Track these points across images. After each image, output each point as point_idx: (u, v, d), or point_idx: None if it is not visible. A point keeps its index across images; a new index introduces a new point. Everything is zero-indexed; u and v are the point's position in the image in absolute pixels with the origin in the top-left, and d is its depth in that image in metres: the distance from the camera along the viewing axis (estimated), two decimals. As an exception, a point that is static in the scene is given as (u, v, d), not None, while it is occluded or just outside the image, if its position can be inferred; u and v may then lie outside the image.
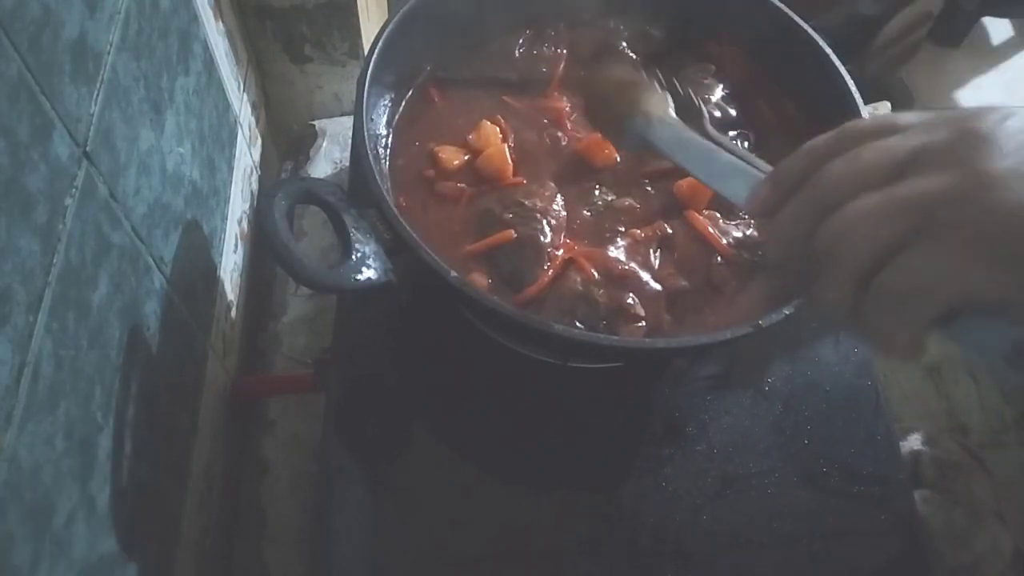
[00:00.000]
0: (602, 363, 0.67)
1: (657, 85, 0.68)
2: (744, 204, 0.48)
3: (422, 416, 0.68)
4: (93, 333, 0.50)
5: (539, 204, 0.65)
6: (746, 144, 0.72)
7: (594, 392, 0.68)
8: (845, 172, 0.38)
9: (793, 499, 0.64)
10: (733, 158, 0.54)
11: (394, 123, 0.71)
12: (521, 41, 0.76)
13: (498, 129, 0.70)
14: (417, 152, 0.70)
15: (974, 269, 0.34)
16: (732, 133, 0.72)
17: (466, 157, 0.69)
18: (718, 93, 0.73)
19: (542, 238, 0.63)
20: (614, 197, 0.68)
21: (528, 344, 0.66)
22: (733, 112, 0.72)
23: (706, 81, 0.74)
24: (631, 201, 0.67)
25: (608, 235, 0.65)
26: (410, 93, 0.73)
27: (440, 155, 0.69)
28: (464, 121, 0.71)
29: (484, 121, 0.70)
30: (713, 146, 0.58)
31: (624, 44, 0.76)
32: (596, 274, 0.62)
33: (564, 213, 0.66)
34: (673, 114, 0.64)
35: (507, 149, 0.69)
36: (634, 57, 0.76)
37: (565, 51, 0.76)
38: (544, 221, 0.64)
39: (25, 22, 0.43)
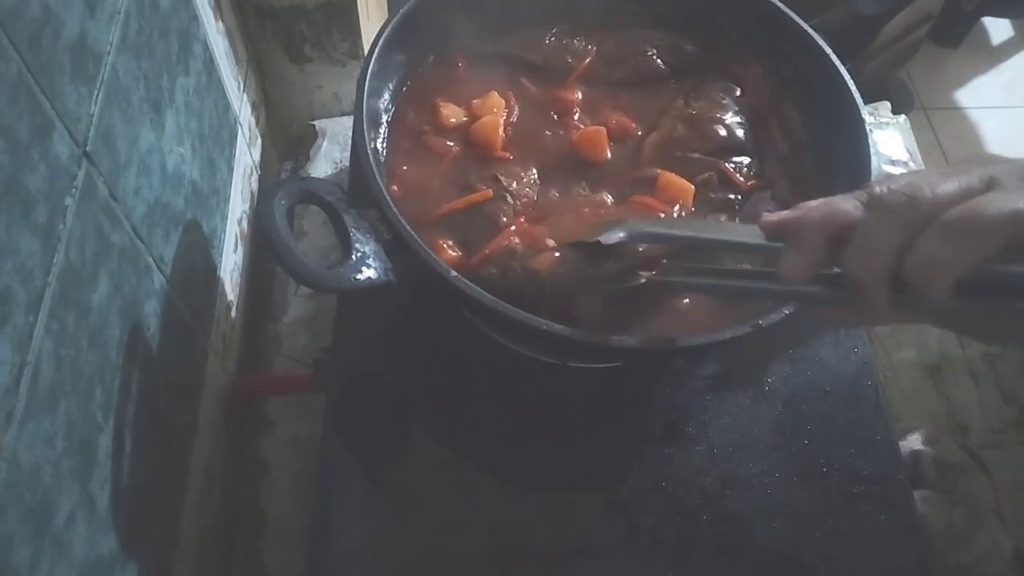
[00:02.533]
0: (602, 363, 0.67)
1: None
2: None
3: (422, 416, 0.68)
4: (93, 333, 0.50)
5: (514, 185, 0.65)
6: (745, 169, 0.71)
7: (594, 392, 0.68)
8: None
9: (793, 499, 0.64)
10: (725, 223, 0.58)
11: (397, 107, 0.72)
12: (554, 30, 0.77)
13: (503, 102, 0.71)
14: (419, 114, 0.71)
15: None
16: (736, 158, 0.71)
17: (464, 119, 0.70)
18: (730, 116, 0.72)
19: (502, 217, 0.64)
20: (590, 192, 0.68)
21: (528, 344, 0.66)
22: (740, 134, 0.71)
23: (724, 101, 0.73)
24: (604, 195, 0.67)
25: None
26: (410, 91, 0.74)
27: (441, 110, 0.70)
28: (477, 89, 0.72)
29: (492, 91, 0.71)
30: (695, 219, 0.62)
31: (653, 52, 0.76)
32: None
33: (535, 199, 0.66)
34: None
35: (503, 123, 0.69)
36: (663, 67, 0.76)
37: (595, 48, 0.77)
38: (512, 202, 0.64)
39: (25, 22, 0.43)
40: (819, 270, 0.46)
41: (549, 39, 0.77)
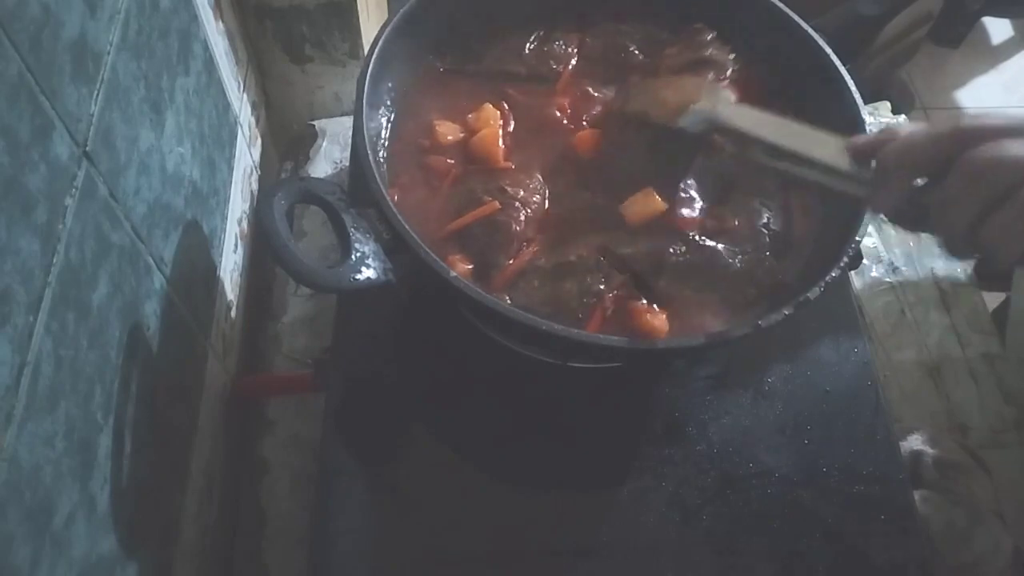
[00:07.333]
0: (602, 363, 0.67)
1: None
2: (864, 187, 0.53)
3: (422, 416, 0.68)
4: (93, 333, 0.50)
5: (521, 194, 0.65)
6: None
7: (594, 392, 0.68)
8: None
9: (793, 499, 0.64)
10: (808, 126, 0.58)
11: (396, 108, 0.72)
12: (533, 37, 0.77)
13: (498, 113, 0.70)
14: (417, 127, 0.71)
15: None
16: None
17: (462, 135, 0.70)
18: None
19: (515, 227, 0.64)
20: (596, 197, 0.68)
21: (528, 344, 0.66)
22: None
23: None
24: (612, 197, 0.67)
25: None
26: (409, 88, 0.73)
27: (437, 128, 0.70)
28: (469, 104, 0.72)
29: (486, 104, 0.71)
30: (784, 119, 0.60)
31: (635, 48, 0.76)
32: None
33: (546, 206, 0.66)
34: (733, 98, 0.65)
35: (501, 134, 0.69)
36: (641, 57, 0.76)
37: (576, 50, 0.76)
38: (522, 211, 0.64)
39: (25, 22, 0.43)
40: (903, 204, 0.50)
41: (529, 47, 0.77)
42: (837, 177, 0.55)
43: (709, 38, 0.73)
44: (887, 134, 0.51)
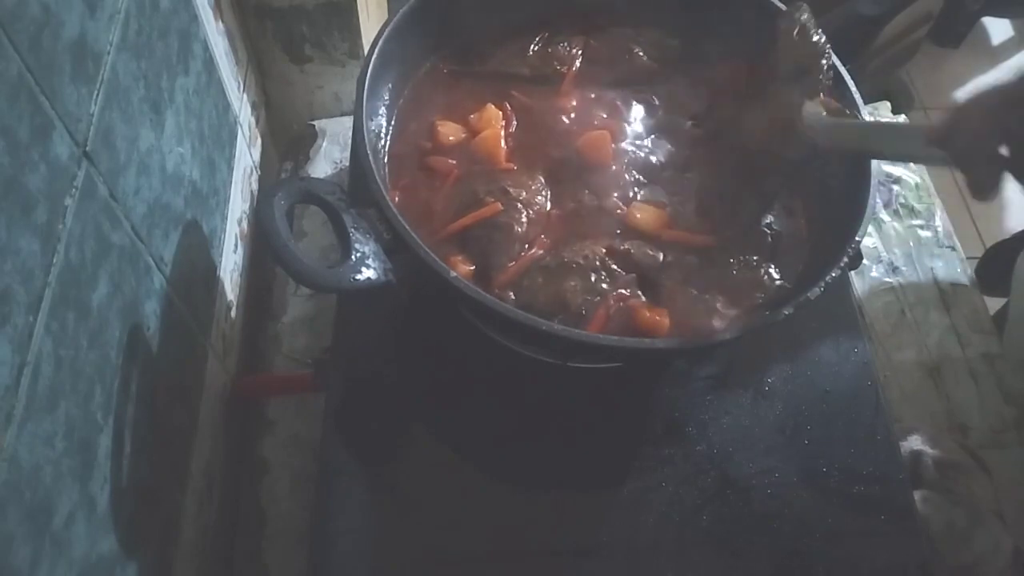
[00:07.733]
0: (602, 363, 0.67)
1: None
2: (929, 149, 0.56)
3: (422, 416, 0.68)
4: (93, 333, 0.50)
5: (523, 195, 0.65)
6: None
7: (594, 392, 0.68)
8: None
9: (793, 499, 0.64)
10: (895, 123, 0.59)
11: (396, 108, 0.72)
12: (537, 39, 0.77)
13: (501, 114, 0.70)
14: (418, 128, 0.71)
15: None
16: None
17: (464, 136, 0.70)
18: None
19: (517, 228, 0.63)
20: (598, 200, 0.68)
21: (528, 344, 0.66)
22: None
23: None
24: (613, 199, 0.67)
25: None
26: (410, 88, 0.74)
27: (439, 128, 0.70)
28: (471, 104, 0.72)
29: (489, 104, 0.71)
30: (867, 120, 0.63)
31: (640, 50, 0.76)
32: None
33: (548, 207, 0.66)
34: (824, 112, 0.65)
35: (504, 135, 0.69)
36: (646, 59, 0.76)
37: (580, 51, 0.76)
38: (524, 212, 0.64)
39: (25, 22, 0.43)
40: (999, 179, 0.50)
41: (533, 48, 0.76)
42: (943, 162, 0.57)
43: (804, 18, 0.66)
44: (956, 117, 0.52)
